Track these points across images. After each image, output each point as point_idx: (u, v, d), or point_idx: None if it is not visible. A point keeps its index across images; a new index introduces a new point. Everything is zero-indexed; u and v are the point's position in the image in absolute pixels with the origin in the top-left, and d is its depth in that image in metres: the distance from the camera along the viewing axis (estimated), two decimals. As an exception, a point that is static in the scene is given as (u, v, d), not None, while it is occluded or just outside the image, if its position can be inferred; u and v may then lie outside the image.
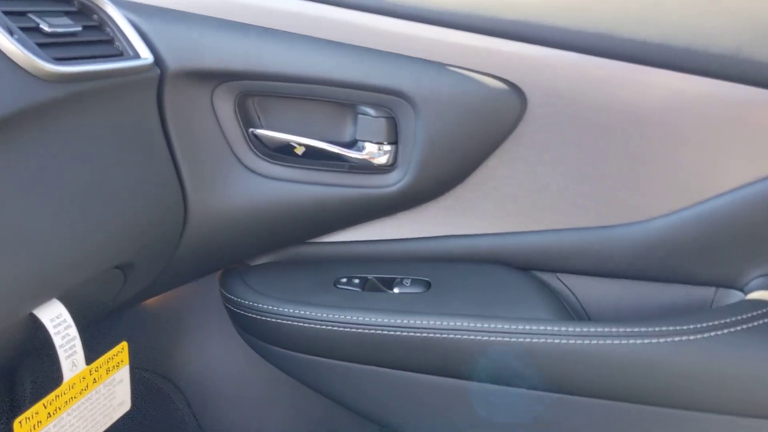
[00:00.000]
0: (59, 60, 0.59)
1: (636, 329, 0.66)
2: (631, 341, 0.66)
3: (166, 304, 0.96)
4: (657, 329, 0.66)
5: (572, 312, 0.77)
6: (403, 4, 0.74)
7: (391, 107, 0.76)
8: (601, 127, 0.73)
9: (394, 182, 0.78)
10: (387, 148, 0.77)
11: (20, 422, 0.54)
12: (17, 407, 0.91)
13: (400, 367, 0.75)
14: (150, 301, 0.93)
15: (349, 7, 0.75)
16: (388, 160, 0.78)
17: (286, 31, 0.75)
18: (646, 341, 0.66)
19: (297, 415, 0.96)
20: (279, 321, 0.77)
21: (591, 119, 0.72)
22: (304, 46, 0.75)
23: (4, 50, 0.55)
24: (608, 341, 0.67)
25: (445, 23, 0.73)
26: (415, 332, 0.73)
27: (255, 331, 0.82)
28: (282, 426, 0.97)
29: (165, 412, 0.99)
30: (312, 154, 0.79)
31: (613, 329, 0.67)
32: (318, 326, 0.76)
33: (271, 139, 0.79)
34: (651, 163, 0.73)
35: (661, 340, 0.65)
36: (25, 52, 0.56)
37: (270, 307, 0.78)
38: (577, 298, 0.80)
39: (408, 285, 0.80)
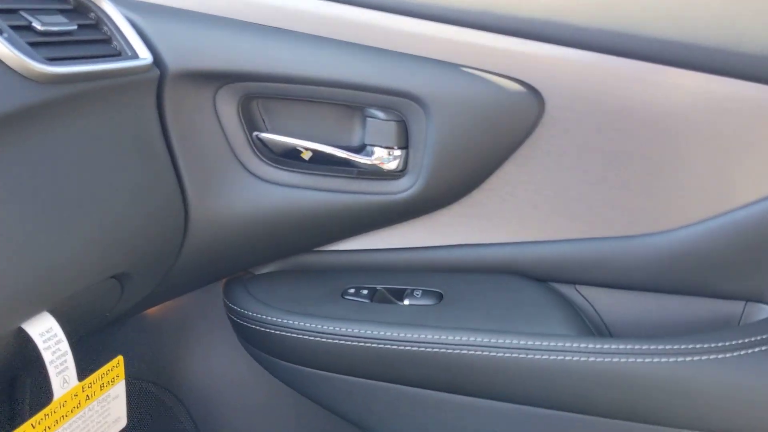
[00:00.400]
0: (52, 60, 0.57)
1: (661, 347, 0.63)
2: (656, 359, 0.62)
3: (167, 313, 0.94)
4: (683, 347, 0.62)
5: (592, 326, 0.74)
6: (414, 1, 0.71)
7: (402, 110, 0.72)
8: (624, 131, 0.69)
9: (404, 188, 0.75)
10: (397, 152, 0.74)
11: (6, 444, 0.51)
12: (16, 420, 0.88)
13: (409, 384, 0.72)
14: (152, 311, 0.91)
15: (357, 5, 0.72)
16: (398, 165, 0.75)
17: (292, 30, 0.73)
18: (671, 360, 0.62)
19: (300, 428, 0.93)
20: (283, 333, 0.74)
21: (612, 123, 0.69)
22: (311, 46, 0.72)
23: None
24: (631, 359, 0.63)
25: (459, 22, 0.70)
26: (425, 347, 0.69)
27: (258, 343, 0.79)
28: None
29: (166, 425, 0.96)
30: (319, 158, 0.76)
31: (636, 346, 0.63)
32: (324, 339, 0.73)
33: (277, 143, 0.76)
34: (676, 169, 0.69)
35: (687, 358, 0.62)
36: (15, 51, 0.53)
37: (274, 319, 0.75)
38: (596, 311, 0.77)
39: (419, 296, 0.76)
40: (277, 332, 0.75)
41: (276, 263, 0.85)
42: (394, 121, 0.73)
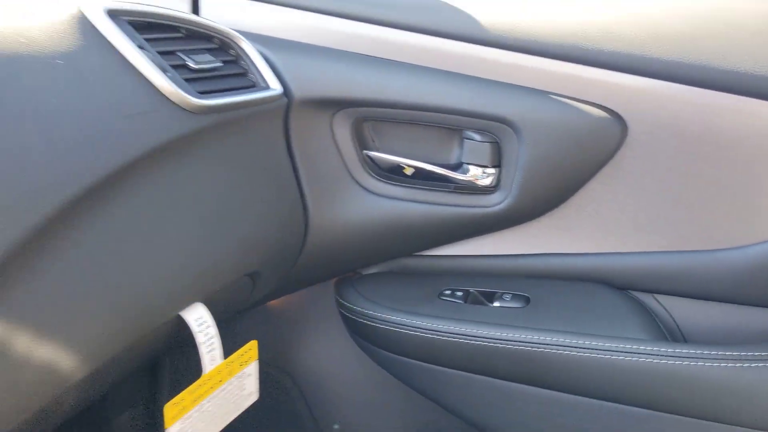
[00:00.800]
0: (203, 93, 0.67)
1: (728, 353, 0.68)
2: (723, 364, 0.68)
3: (286, 306, 1.05)
4: (750, 354, 0.67)
5: (668, 333, 0.80)
6: (509, 36, 0.78)
7: (496, 132, 0.80)
8: (703, 154, 0.75)
9: (496, 203, 0.83)
10: (490, 170, 0.82)
11: (170, 406, 0.63)
12: (157, 394, 1.02)
13: (498, 376, 0.80)
14: (272, 303, 1.02)
15: (458, 39, 0.80)
16: (491, 182, 0.83)
17: (400, 62, 0.82)
18: (737, 365, 0.67)
19: (402, 415, 1.02)
20: (387, 327, 0.84)
21: (693, 147, 0.75)
22: (417, 76, 0.81)
23: (159, 87, 0.63)
24: (700, 363, 0.69)
25: (550, 54, 0.77)
26: (513, 345, 0.77)
27: (365, 335, 0.89)
28: (386, 422, 1.04)
29: (283, 404, 1.07)
30: (420, 174, 0.85)
31: (705, 351, 0.69)
32: (423, 334, 0.81)
33: (384, 160, 0.85)
34: (752, 190, 0.74)
35: (753, 364, 0.67)
36: (176, 88, 0.63)
37: (380, 315, 0.84)
38: (673, 319, 0.82)
39: (508, 300, 0.84)
40: (382, 326, 0.84)
41: (380, 265, 0.95)
42: (489, 142, 0.81)
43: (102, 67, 0.61)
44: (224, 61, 0.75)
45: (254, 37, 0.82)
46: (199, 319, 0.67)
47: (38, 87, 0.54)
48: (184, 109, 0.65)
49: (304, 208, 0.83)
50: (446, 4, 0.83)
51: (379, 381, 1.01)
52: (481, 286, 0.87)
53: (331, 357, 1.05)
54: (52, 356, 0.52)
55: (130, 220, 0.59)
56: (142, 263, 0.60)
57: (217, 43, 0.77)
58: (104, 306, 0.56)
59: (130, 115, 0.61)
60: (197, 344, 0.67)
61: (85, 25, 0.62)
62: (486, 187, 0.83)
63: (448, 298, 0.86)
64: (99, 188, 0.55)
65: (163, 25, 0.72)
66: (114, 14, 0.65)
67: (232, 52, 0.78)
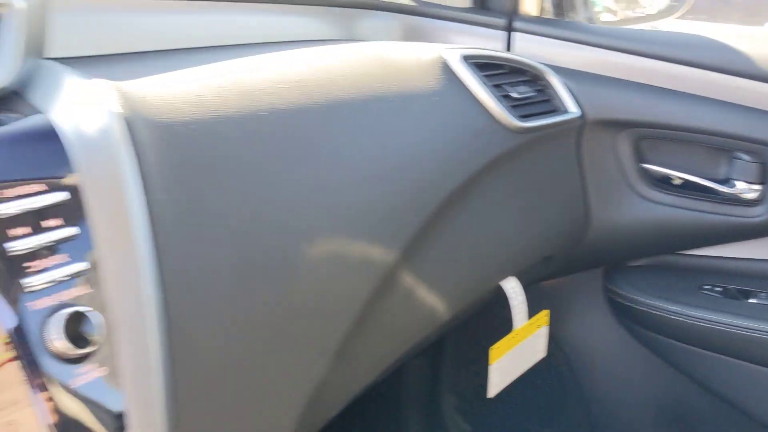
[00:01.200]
0: (522, 117, 0.88)
1: None
2: None
3: (559, 285, 1.24)
4: None
5: None
6: None
7: (765, 155, 0.93)
8: None
9: (758, 215, 0.95)
10: (756, 187, 0.95)
11: (493, 349, 0.87)
12: (442, 346, 1.27)
13: (751, 361, 0.94)
14: (545, 282, 1.22)
15: (730, 74, 0.94)
16: (756, 196, 0.95)
17: (678, 90, 0.97)
18: None
19: (654, 391, 1.17)
20: (655, 312, 1.00)
21: None
22: (694, 103, 0.96)
23: (495, 114, 0.84)
24: None
25: None
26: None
27: (633, 318, 1.05)
28: (638, 392, 1.20)
29: (551, 368, 1.27)
30: (688, 185, 0.99)
31: None
32: (687, 320, 0.97)
33: (657, 172, 1.01)
34: None
35: None
36: (507, 114, 0.85)
37: (649, 301, 1.01)
38: None
39: (764, 298, 0.97)
40: (650, 311, 1.00)
41: (644, 259, 1.11)
42: (758, 163, 0.94)
43: (459, 100, 0.84)
44: (535, 90, 0.95)
45: (555, 69, 1.01)
46: (513, 288, 0.90)
47: (425, 115, 0.78)
48: (510, 130, 0.85)
49: (587, 208, 1.02)
50: (717, 41, 0.97)
51: (634, 354, 1.16)
52: (736, 285, 1.00)
53: (590, 331, 1.22)
54: (434, 300, 0.77)
55: (479, 211, 0.82)
56: (483, 243, 0.83)
57: (530, 76, 0.98)
58: (463, 270, 0.80)
59: (477, 134, 0.84)
60: (511, 306, 0.89)
61: (446, 68, 0.86)
62: (750, 200, 0.96)
63: (708, 292, 1.00)
64: (464, 186, 0.78)
65: (493, 64, 0.94)
66: (465, 58, 0.89)
67: (540, 82, 0.98)
